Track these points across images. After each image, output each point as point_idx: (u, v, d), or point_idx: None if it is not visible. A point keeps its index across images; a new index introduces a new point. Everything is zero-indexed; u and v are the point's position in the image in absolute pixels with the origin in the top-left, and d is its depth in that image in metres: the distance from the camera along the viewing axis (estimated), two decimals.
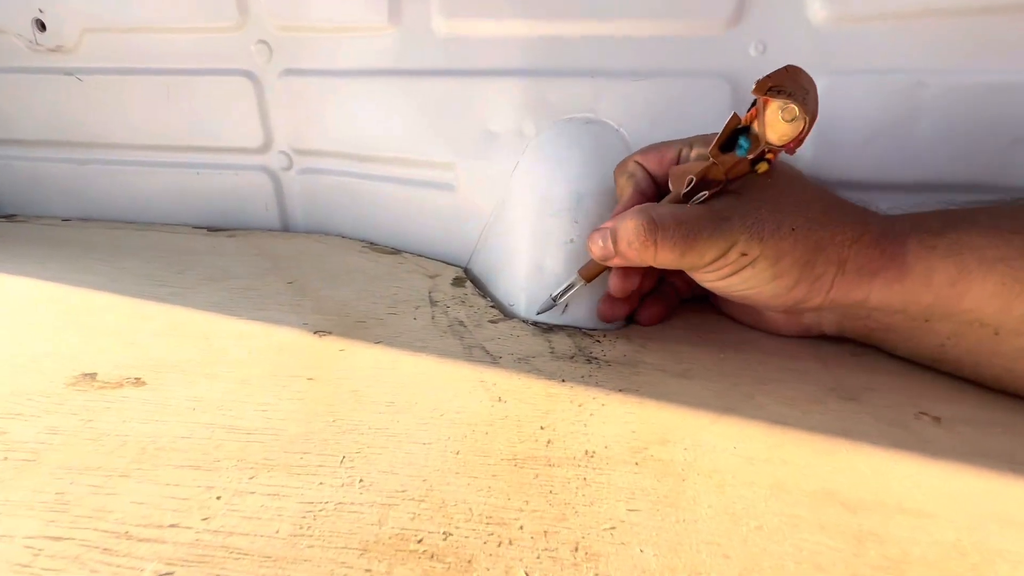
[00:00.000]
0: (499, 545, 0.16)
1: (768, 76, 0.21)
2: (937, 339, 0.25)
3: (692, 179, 0.24)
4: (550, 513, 0.17)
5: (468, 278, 0.36)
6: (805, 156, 0.31)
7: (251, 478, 0.18)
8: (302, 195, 0.44)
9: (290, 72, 0.40)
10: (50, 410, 0.22)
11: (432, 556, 0.16)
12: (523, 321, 0.31)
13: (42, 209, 0.47)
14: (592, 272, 0.28)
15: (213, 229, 0.44)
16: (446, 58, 0.36)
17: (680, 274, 0.31)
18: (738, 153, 0.23)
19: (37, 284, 0.33)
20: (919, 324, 0.24)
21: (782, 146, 0.22)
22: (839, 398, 0.24)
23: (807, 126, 0.21)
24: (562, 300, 0.29)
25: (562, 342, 0.28)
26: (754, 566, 0.15)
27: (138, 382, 0.24)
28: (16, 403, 0.22)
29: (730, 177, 0.24)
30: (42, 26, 0.41)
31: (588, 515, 0.17)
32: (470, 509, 0.17)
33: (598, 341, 0.28)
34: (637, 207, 0.25)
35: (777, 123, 0.21)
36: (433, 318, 0.30)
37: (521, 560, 0.16)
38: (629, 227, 0.24)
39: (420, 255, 0.40)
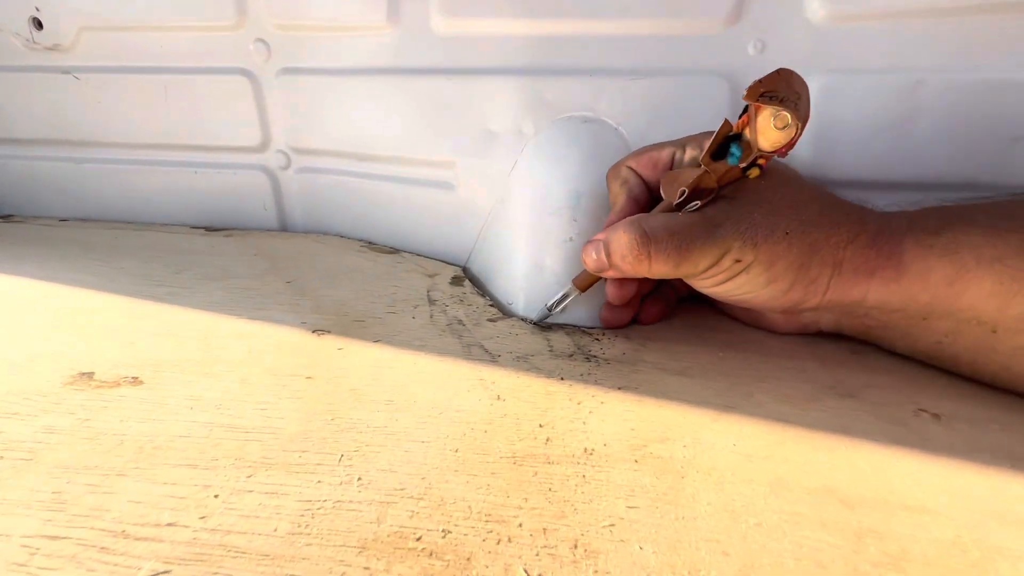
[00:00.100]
0: (498, 542, 0.16)
1: (760, 81, 0.21)
2: (935, 337, 0.25)
3: (684, 191, 0.24)
4: (549, 510, 0.17)
5: (467, 277, 0.36)
6: (804, 155, 0.31)
7: (249, 477, 0.18)
8: (300, 194, 0.43)
9: (288, 71, 0.40)
10: (47, 409, 0.22)
11: (431, 554, 0.16)
12: (522, 320, 0.31)
13: (39, 208, 0.47)
14: (587, 282, 0.28)
15: (211, 229, 0.44)
16: (445, 57, 0.36)
17: None
18: (730, 161, 0.23)
19: (34, 284, 0.33)
20: (917, 322, 0.24)
21: (774, 152, 0.22)
22: (838, 395, 0.24)
23: (798, 132, 0.21)
24: (557, 309, 0.29)
25: (561, 340, 0.28)
26: (753, 563, 0.15)
27: (136, 381, 0.24)
28: (13, 403, 0.22)
29: (722, 184, 0.24)
30: (39, 24, 0.41)
31: (587, 512, 0.17)
32: (469, 507, 0.17)
33: (597, 339, 0.28)
34: (629, 219, 0.25)
35: (769, 130, 0.21)
36: (432, 317, 0.30)
37: (520, 557, 0.16)
38: (623, 241, 0.24)
39: (419, 254, 0.40)
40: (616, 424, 0.21)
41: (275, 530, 0.16)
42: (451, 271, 0.37)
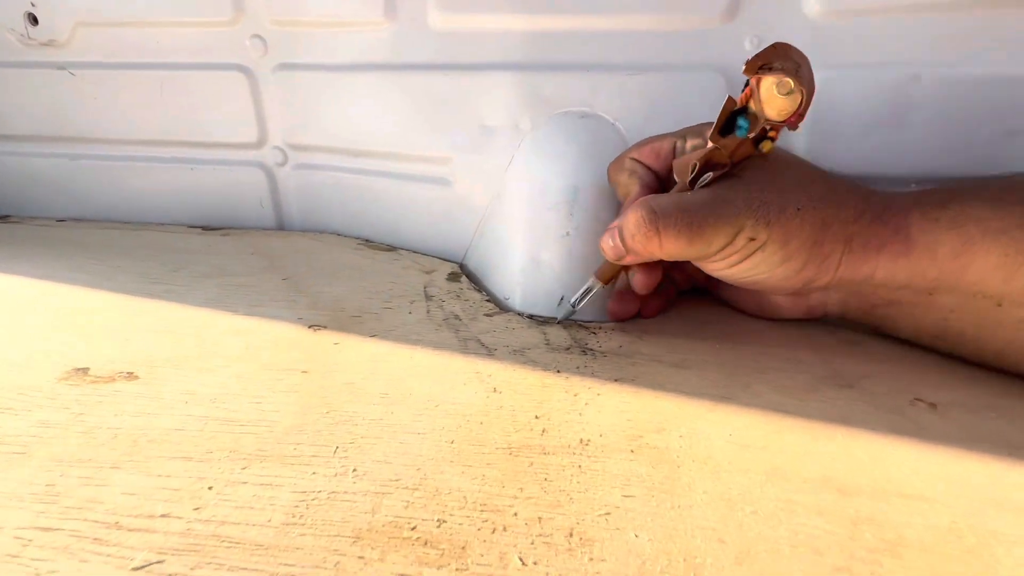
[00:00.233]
0: (493, 531, 0.16)
1: (757, 55, 0.21)
2: (940, 313, 0.24)
3: (696, 164, 0.24)
4: (544, 500, 0.17)
5: (464, 273, 0.36)
6: (800, 149, 0.31)
7: (244, 468, 0.18)
8: (297, 191, 0.43)
9: (285, 67, 0.40)
10: (42, 404, 0.21)
11: (426, 543, 0.15)
12: (519, 314, 0.31)
13: (34, 206, 0.47)
14: (608, 273, 0.28)
15: (208, 228, 0.44)
16: (442, 53, 0.36)
17: (678, 267, 0.31)
18: (738, 134, 0.22)
19: (30, 283, 0.33)
20: (923, 298, 0.24)
21: (783, 121, 0.21)
22: (835, 386, 0.24)
23: (805, 98, 0.20)
24: (581, 305, 0.29)
25: (558, 334, 0.28)
26: (749, 550, 0.15)
27: (131, 376, 0.23)
28: (7, 398, 0.22)
29: (735, 160, 0.23)
30: (34, 20, 0.41)
31: (583, 501, 0.17)
32: (464, 497, 0.17)
33: (594, 333, 0.28)
34: (639, 200, 0.25)
35: (774, 98, 0.21)
36: (428, 312, 0.30)
37: (515, 546, 0.15)
38: (631, 220, 0.24)
39: (415, 251, 0.40)
40: (612, 415, 0.21)
41: (269, 521, 0.16)
42: (448, 267, 0.37)
